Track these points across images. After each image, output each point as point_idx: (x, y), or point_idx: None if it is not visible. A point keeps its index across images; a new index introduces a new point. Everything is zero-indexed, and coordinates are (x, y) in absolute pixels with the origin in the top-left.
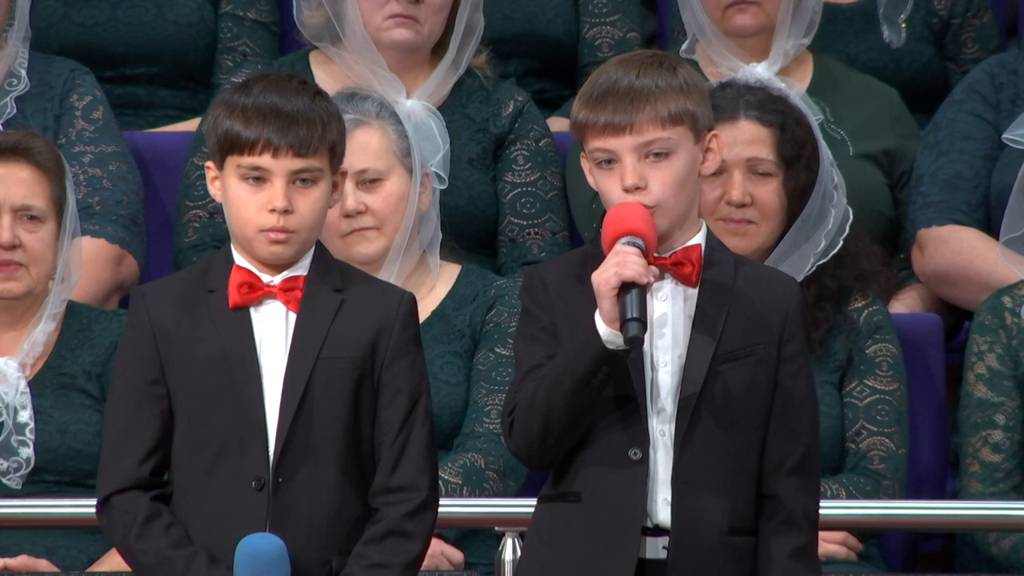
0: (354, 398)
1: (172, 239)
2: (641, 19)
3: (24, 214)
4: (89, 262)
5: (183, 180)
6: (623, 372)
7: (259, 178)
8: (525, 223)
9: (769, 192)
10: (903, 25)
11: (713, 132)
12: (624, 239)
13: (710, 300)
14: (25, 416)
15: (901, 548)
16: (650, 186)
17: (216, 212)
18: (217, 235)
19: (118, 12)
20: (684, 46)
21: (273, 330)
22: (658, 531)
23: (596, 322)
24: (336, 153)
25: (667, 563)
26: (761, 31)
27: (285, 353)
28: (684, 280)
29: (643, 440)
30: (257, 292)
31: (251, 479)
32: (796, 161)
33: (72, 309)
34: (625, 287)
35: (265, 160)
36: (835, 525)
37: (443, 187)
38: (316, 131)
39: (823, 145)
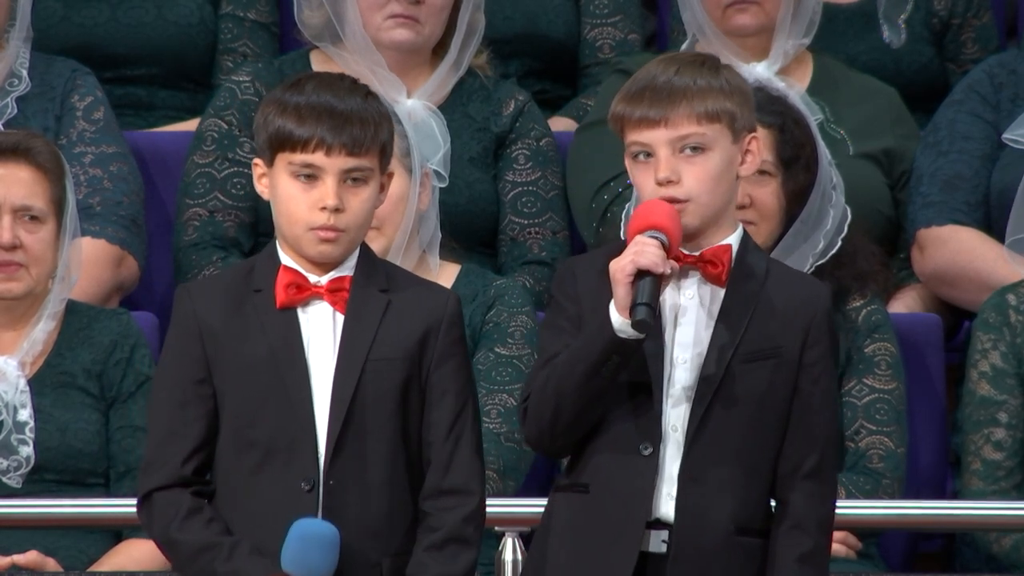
0: (402, 399)
1: (172, 239)
2: (642, 20)
3: (24, 214)
4: (89, 263)
5: (183, 179)
6: (639, 363)
7: (311, 176)
8: (526, 222)
9: (768, 193)
10: (903, 25)
11: (753, 135)
12: (647, 232)
13: (736, 300)
14: (25, 415)
15: (901, 548)
16: (683, 180)
17: (216, 211)
18: (217, 234)
19: (118, 13)
20: (684, 46)
21: (321, 331)
22: (660, 524)
23: (610, 311)
24: (386, 153)
25: (667, 557)
26: (761, 31)
27: (333, 354)
28: (712, 279)
29: (655, 435)
30: (304, 293)
31: (300, 480)
32: (795, 162)
33: (72, 308)
34: (641, 275)
35: (318, 158)
36: (835, 525)
37: (443, 185)
38: (369, 131)
39: (822, 145)
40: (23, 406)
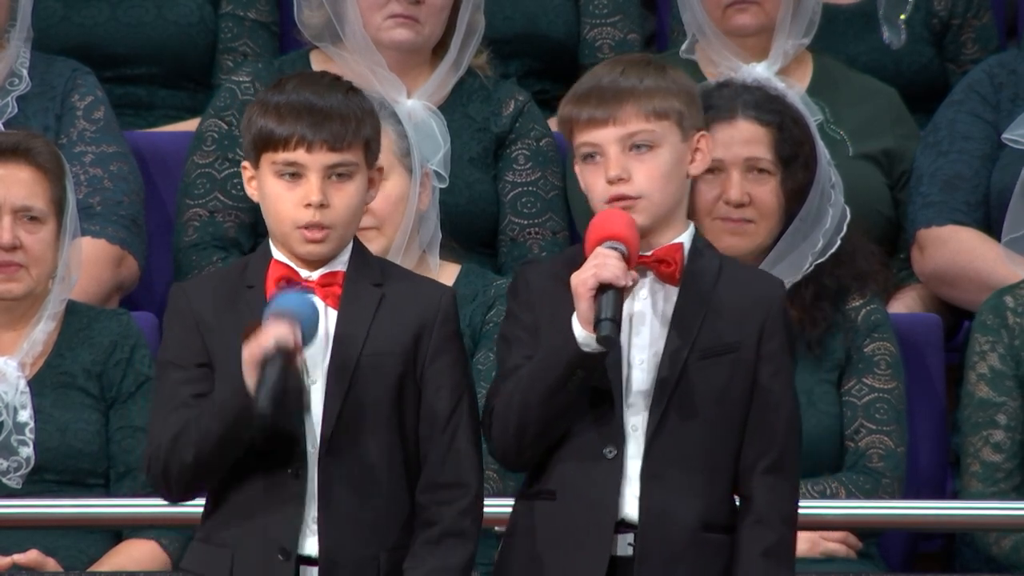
0: (398, 394)
1: (172, 239)
2: (641, 20)
3: (24, 215)
4: (89, 263)
5: (183, 179)
6: (601, 375)
7: (295, 174)
8: (526, 223)
9: (767, 192)
10: (903, 26)
11: (702, 133)
12: (606, 244)
13: (690, 298)
14: (25, 415)
15: (901, 548)
16: (634, 177)
17: (216, 211)
18: (217, 234)
19: (118, 12)
20: (684, 46)
21: None
22: (626, 527)
23: (573, 324)
24: (371, 148)
25: (634, 559)
26: (761, 31)
27: (325, 349)
28: (665, 278)
29: (618, 438)
30: (294, 287)
31: (295, 477)
32: (794, 160)
33: (72, 308)
34: (603, 288)
35: (300, 155)
36: (835, 525)
37: (443, 186)
38: (350, 126)
39: (820, 144)
40: (23, 407)
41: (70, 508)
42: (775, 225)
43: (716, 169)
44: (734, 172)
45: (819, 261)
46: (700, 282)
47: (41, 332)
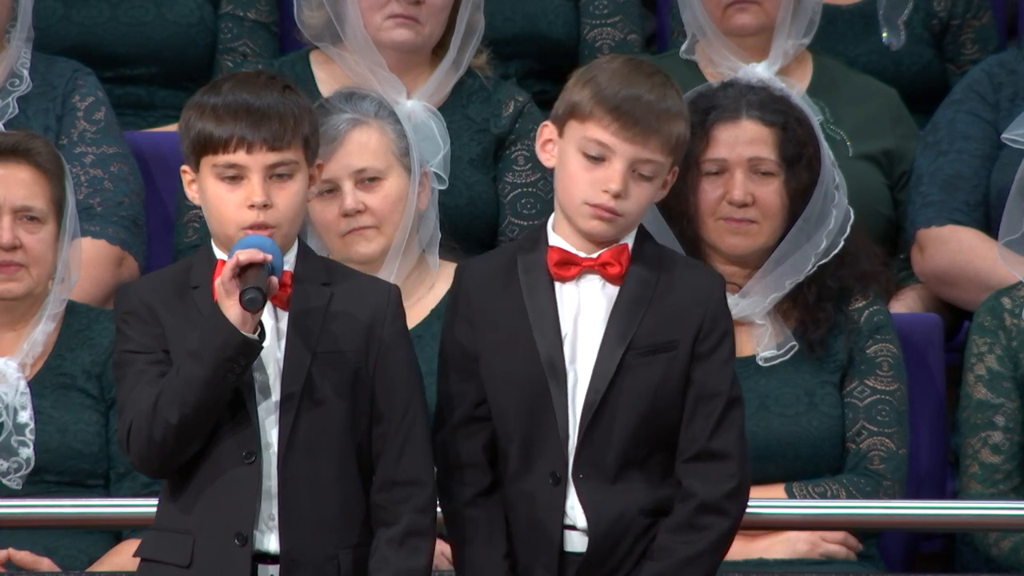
0: (352, 392)
1: (172, 239)
2: (641, 20)
3: (24, 215)
4: (90, 263)
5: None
6: (535, 369)
7: (236, 176)
8: (525, 223)
9: (771, 192)
10: (903, 27)
11: (676, 168)
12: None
13: (630, 296)
14: (25, 416)
15: (901, 548)
16: (628, 199)
17: None
18: None
19: (118, 12)
20: (684, 46)
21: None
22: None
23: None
24: (310, 145)
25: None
26: (761, 31)
27: (276, 349)
28: (611, 280)
29: (562, 464)
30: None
31: (250, 459)
32: (798, 161)
33: (72, 309)
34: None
35: (240, 157)
36: (835, 525)
37: (443, 187)
38: (289, 124)
39: (824, 145)
40: (23, 408)
41: (70, 508)
42: (778, 225)
43: (720, 170)
44: (738, 172)
45: (822, 262)
46: (641, 280)
47: (41, 333)
